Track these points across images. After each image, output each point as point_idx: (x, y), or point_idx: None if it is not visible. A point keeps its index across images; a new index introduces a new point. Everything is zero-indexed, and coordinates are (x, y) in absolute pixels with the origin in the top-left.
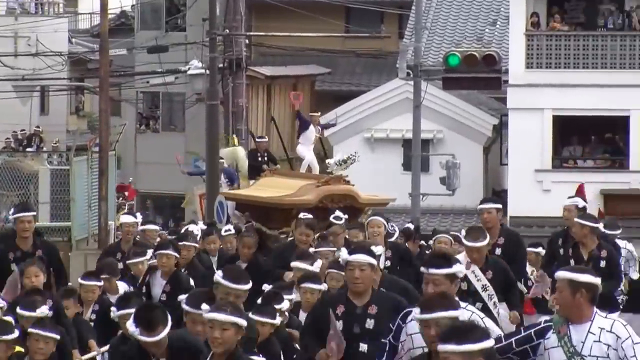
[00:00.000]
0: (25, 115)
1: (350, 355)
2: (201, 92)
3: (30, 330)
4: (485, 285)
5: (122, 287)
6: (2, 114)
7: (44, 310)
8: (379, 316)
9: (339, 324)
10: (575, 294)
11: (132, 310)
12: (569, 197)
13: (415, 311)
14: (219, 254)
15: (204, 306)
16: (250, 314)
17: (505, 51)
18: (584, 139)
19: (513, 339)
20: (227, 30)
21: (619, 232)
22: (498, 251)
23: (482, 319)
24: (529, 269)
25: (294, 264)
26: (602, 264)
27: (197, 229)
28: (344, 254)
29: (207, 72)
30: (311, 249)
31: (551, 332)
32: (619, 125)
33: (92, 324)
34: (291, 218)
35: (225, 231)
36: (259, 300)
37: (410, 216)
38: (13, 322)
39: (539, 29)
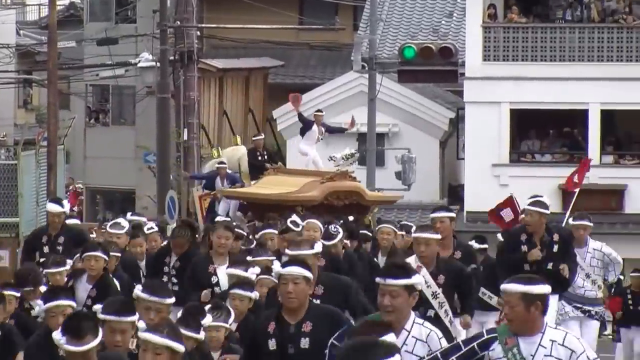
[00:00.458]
0: None
1: None
2: (152, 85)
3: None
4: (436, 292)
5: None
6: None
7: None
8: (315, 334)
9: (272, 343)
10: (529, 308)
11: (61, 302)
12: (534, 197)
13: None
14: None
15: (141, 324)
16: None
17: (462, 43)
18: (541, 133)
19: (454, 357)
20: (178, 22)
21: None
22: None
23: (439, 339)
24: None
25: (228, 270)
26: (555, 248)
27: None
28: (276, 266)
29: (158, 64)
30: (248, 257)
31: (496, 344)
32: (578, 119)
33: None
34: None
35: (149, 229)
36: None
37: None
38: None
39: (496, 21)
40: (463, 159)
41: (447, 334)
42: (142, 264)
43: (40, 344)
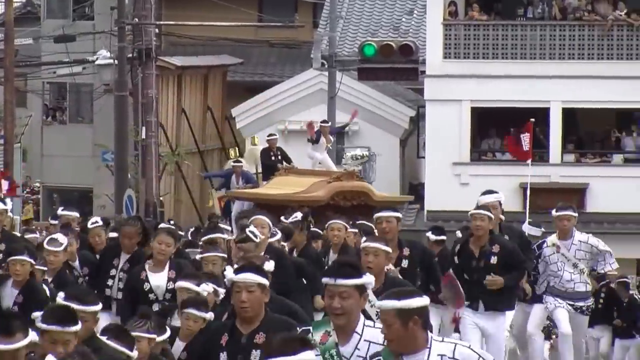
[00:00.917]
0: None
1: None
2: (109, 83)
3: None
4: (371, 302)
5: None
6: None
7: None
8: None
9: (223, 357)
10: (407, 324)
11: None
12: (487, 193)
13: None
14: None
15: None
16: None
17: (423, 41)
18: (503, 131)
19: None
20: (137, 19)
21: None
22: (405, 263)
23: None
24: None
25: (178, 283)
26: (493, 259)
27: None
28: (229, 273)
29: (116, 62)
30: (198, 256)
31: None
32: (539, 117)
33: None
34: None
35: (92, 223)
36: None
37: None
38: None
39: (456, 19)
40: (424, 157)
41: None
42: (76, 264)
43: None
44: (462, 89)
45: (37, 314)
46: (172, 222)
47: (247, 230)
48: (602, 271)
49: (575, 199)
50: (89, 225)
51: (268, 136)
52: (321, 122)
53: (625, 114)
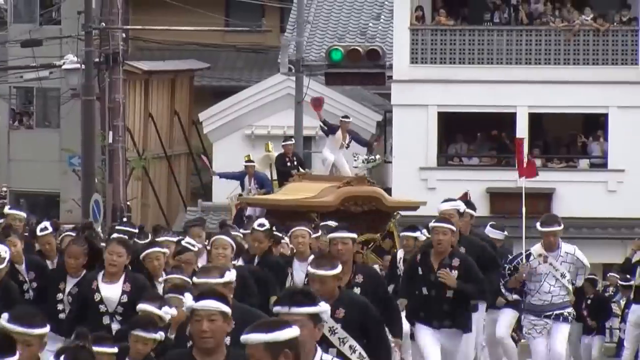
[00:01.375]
0: None
1: None
2: (77, 88)
3: None
4: (333, 327)
5: None
6: None
7: None
8: None
9: None
10: (278, 359)
11: None
12: (446, 201)
13: None
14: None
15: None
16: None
17: (390, 46)
18: (469, 136)
19: None
20: (104, 24)
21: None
22: (357, 290)
23: None
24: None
25: (139, 306)
26: (454, 274)
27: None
28: (188, 299)
29: (83, 66)
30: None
31: None
32: (506, 122)
33: None
34: (311, 221)
35: (41, 230)
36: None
37: None
38: None
39: (423, 23)
40: (390, 162)
41: None
42: (22, 268)
43: None
44: (429, 94)
45: (4, 315)
46: (125, 219)
47: (182, 242)
48: (575, 284)
49: (542, 204)
50: (38, 233)
51: (284, 141)
52: (342, 118)
53: (592, 119)
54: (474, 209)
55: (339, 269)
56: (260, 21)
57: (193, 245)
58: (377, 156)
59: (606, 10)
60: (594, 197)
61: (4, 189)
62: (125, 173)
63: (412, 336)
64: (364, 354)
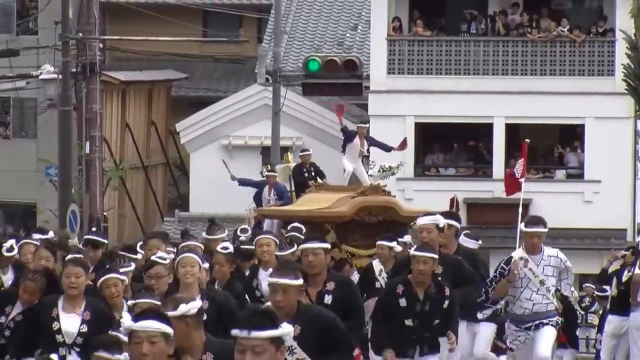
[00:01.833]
0: None
1: None
2: (54, 98)
3: None
4: (291, 347)
5: None
6: None
7: None
8: None
9: None
10: None
11: None
12: (426, 215)
13: None
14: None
15: None
16: None
17: (367, 56)
18: (446, 146)
19: None
20: (81, 34)
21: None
22: (328, 299)
23: None
24: (377, 267)
25: (95, 353)
26: (446, 304)
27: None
28: (126, 320)
29: (60, 77)
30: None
31: None
32: (483, 132)
33: None
34: (325, 232)
35: (7, 250)
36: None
37: None
38: None
39: (401, 34)
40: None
41: None
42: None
43: None
44: (406, 105)
45: None
46: (94, 229)
47: (152, 257)
48: (564, 292)
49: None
50: (4, 253)
51: (301, 152)
52: (359, 123)
53: (568, 130)
54: (458, 220)
55: (301, 280)
56: (238, 32)
57: (164, 259)
58: (395, 164)
59: (583, 21)
60: (571, 208)
61: None
62: (102, 183)
63: None
64: None
